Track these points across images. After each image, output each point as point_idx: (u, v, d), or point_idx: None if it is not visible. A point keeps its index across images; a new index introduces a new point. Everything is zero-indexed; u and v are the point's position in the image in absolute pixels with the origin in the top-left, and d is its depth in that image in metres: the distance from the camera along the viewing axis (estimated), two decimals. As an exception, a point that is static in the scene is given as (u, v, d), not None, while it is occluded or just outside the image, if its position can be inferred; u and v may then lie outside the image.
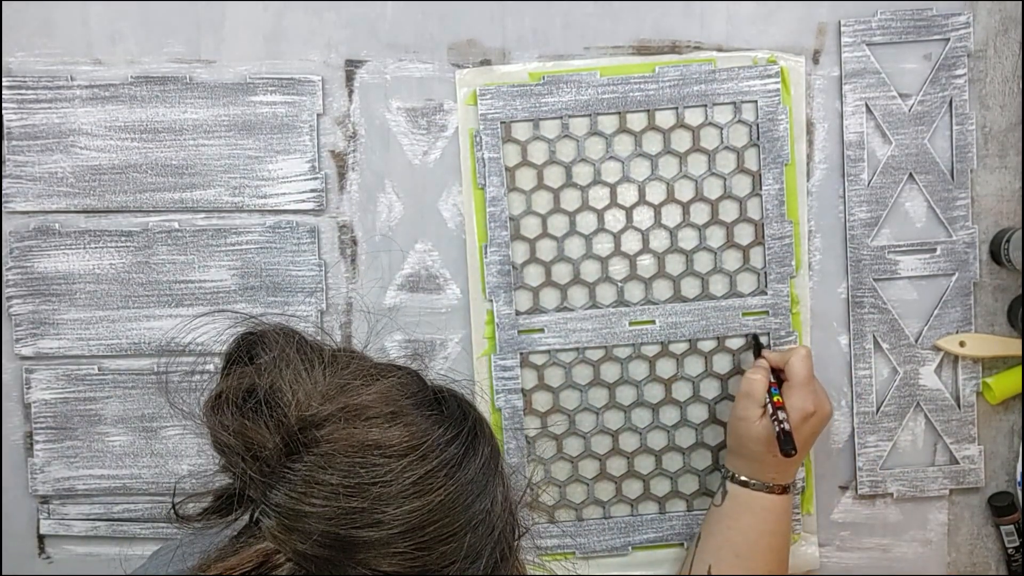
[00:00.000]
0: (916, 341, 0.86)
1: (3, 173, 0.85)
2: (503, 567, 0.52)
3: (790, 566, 0.87)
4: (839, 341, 0.87)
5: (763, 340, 0.85)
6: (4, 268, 0.86)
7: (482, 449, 0.52)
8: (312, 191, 0.85)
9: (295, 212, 0.86)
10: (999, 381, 0.85)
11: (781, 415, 0.76)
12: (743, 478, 0.79)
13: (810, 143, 0.86)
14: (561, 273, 0.86)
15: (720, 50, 0.85)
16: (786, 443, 0.75)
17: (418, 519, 0.48)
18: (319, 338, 0.56)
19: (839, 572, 0.88)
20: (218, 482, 0.53)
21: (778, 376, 0.81)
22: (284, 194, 0.85)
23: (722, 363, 0.86)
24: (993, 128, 0.86)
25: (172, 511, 0.54)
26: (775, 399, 0.77)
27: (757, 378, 0.79)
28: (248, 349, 0.55)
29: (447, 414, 0.53)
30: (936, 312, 0.86)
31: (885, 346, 0.86)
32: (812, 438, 0.79)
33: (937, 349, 0.86)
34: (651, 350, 0.86)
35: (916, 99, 0.85)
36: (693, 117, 0.85)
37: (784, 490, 0.79)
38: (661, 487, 0.87)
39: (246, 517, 0.52)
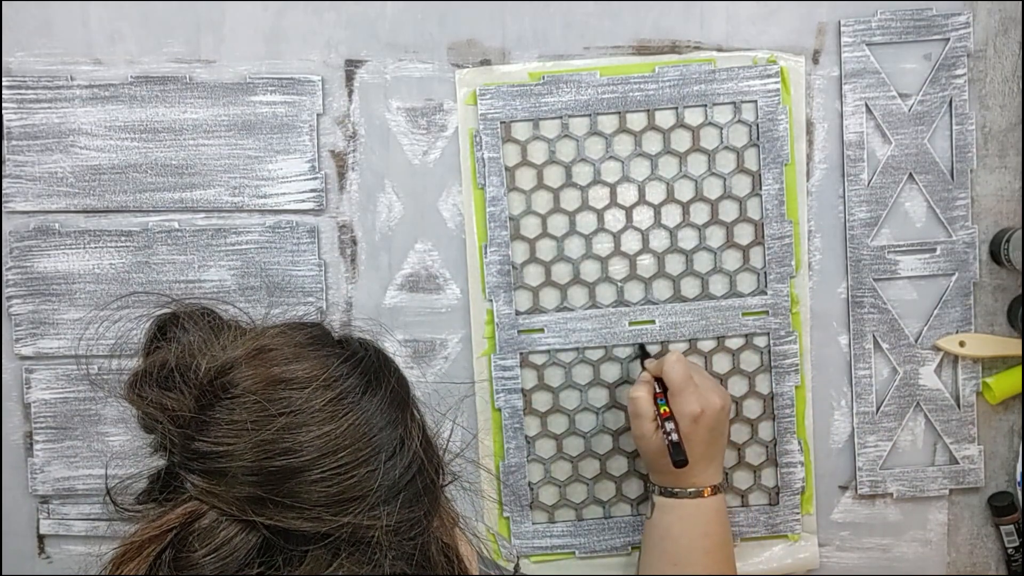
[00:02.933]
0: (916, 341, 0.86)
1: (3, 173, 0.85)
2: (432, 507, 0.54)
3: (790, 566, 0.87)
4: (839, 341, 0.87)
5: (651, 349, 0.85)
6: (4, 268, 0.86)
7: (387, 381, 0.54)
8: (312, 191, 0.85)
9: (295, 212, 0.86)
10: (999, 381, 0.85)
11: (668, 426, 0.76)
12: (669, 488, 0.79)
13: (810, 143, 0.86)
14: (561, 273, 0.86)
15: (720, 50, 0.85)
16: (676, 454, 0.74)
17: (330, 444, 0.50)
18: (237, 318, 0.58)
19: (839, 572, 0.88)
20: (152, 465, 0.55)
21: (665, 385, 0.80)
22: (284, 194, 0.85)
23: (722, 363, 0.86)
24: (993, 128, 0.86)
25: (108, 499, 0.55)
26: (662, 410, 0.77)
27: (640, 395, 0.78)
28: (164, 331, 0.57)
29: (349, 351, 0.55)
30: (936, 312, 0.86)
31: (885, 346, 0.86)
32: (713, 435, 0.78)
33: (937, 349, 0.86)
34: (651, 350, 0.86)
35: (916, 99, 0.85)
36: (693, 117, 0.85)
37: (715, 490, 0.78)
38: (661, 487, 0.87)
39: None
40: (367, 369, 0.54)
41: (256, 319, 0.59)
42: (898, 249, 0.86)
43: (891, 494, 0.87)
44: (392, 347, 0.86)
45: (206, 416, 0.51)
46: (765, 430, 0.87)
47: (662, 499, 0.79)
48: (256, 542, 0.50)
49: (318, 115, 0.85)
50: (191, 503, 0.51)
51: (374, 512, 0.50)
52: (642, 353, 0.84)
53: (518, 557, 0.86)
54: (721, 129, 0.85)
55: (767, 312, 0.86)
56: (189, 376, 0.53)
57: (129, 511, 0.54)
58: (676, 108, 0.85)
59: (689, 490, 0.78)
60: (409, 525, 0.52)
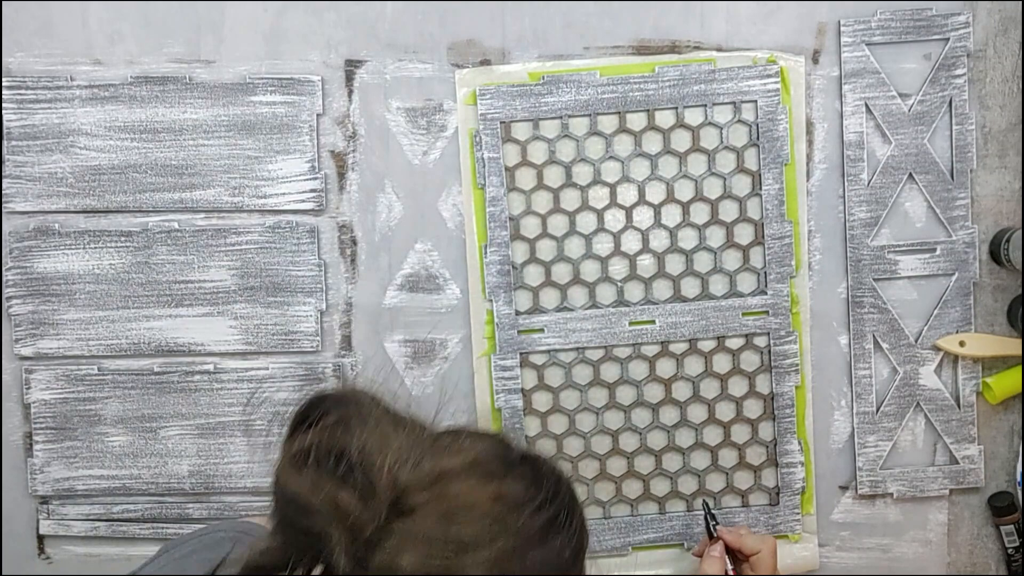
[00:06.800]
0: (916, 341, 0.86)
1: (3, 173, 0.85)
2: None
3: (790, 566, 0.87)
4: (839, 341, 0.87)
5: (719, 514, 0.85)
6: (4, 268, 0.86)
7: (568, 527, 0.52)
8: (312, 191, 0.85)
9: (295, 212, 0.86)
10: (999, 381, 0.85)
11: None
12: None
13: (810, 143, 0.86)
14: (561, 273, 0.86)
15: (720, 50, 0.85)
16: None
17: None
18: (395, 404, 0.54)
19: (839, 572, 0.88)
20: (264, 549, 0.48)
21: (733, 554, 0.79)
22: (284, 194, 0.85)
23: (722, 363, 0.86)
24: (993, 128, 0.86)
25: None
26: None
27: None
28: (316, 409, 0.52)
29: (540, 494, 0.51)
30: (936, 312, 0.86)
31: (885, 346, 0.86)
32: None
33: (937, 349, 0.86)
34: (651, 350, 0.86)
35: (916, 99, 0.85)
36: (693, 117, 0.85)
37: None
38: (661, 487, 0.87)
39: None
40: (555, 504, 0.50)
41: (417, 412, 0.53)
42: (898, 249, 0.86)
43: (891, 494, 0.87)
44: (389, 346, 0.86)
45: (382, 531, 0.46)
46: (765, 430, 0.87)
47: None
48: None
49: (318, 115, 0.85)
50: None
51: None
52: (711, 517, 0.82)
53: None
54: (721, 129, 0.85)
55: (767, 312, 0.86)
56: (374, 475, 0.47)
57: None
58: (676, 108, 0.85)
59: None
60: None
